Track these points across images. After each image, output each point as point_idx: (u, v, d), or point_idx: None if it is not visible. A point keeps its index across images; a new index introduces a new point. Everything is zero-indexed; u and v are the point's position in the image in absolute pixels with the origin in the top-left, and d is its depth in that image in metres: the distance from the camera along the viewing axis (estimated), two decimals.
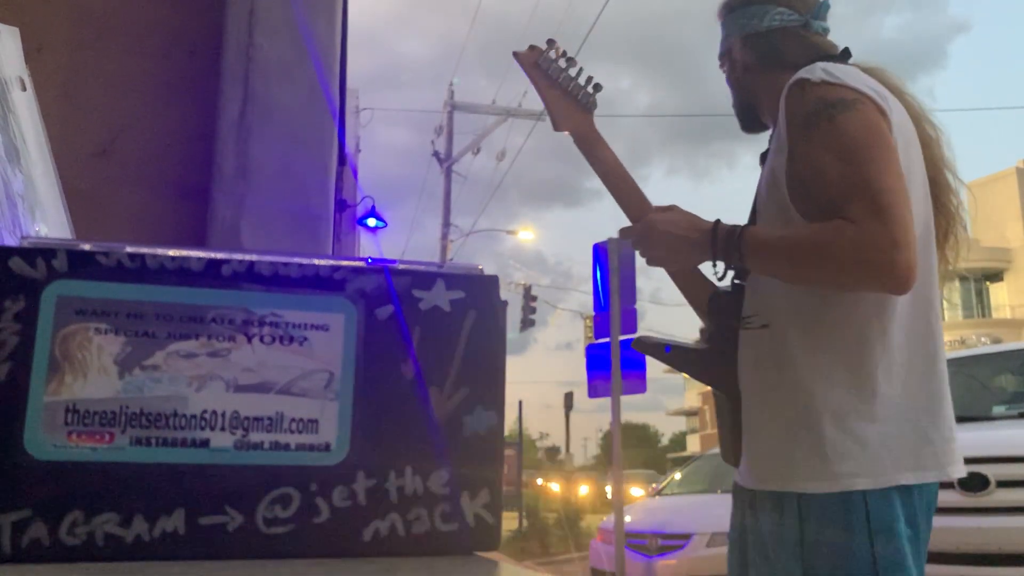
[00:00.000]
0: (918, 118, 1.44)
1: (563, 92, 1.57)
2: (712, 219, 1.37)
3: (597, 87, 1.58)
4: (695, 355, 1.52)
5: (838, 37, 1.56)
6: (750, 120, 1.59)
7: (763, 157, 1.52)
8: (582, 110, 1.58)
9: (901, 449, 1.27)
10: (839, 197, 1.23)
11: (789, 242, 1.27)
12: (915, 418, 1.29)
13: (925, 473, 1.27)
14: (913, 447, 1.28)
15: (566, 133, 1.58)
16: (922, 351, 1.33)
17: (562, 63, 1.57)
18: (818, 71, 1.32)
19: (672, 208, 1.44)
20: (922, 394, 1.31)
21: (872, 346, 1.30)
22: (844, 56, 1.47)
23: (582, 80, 1.57)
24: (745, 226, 1.33)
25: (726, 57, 1.59)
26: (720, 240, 1.32)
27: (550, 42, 1.58)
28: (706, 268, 1.47)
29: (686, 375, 1.58)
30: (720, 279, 1.42)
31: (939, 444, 1.29)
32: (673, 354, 1.51)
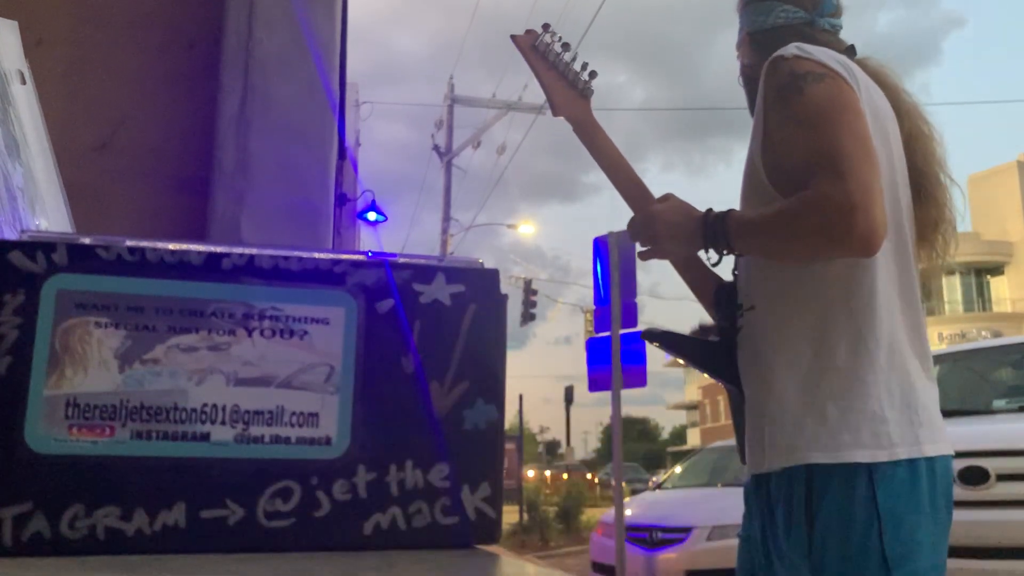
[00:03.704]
0: (912, 114, 1.46)
1: (561, 76, 1.56)
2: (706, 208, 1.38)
3: (593, 74, 1.57)
4: (703, 347, 1.52)
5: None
6: None
7: None
8: (580, 96, 1.57)
9: (860, 426, 1.26)
10: (805, 166, 1.25)
11: (764, 219, 1.30)
12: (877, 396, 1.28)
13: (878, 452, 1.26)
14: (872, 425, 1.26)
15: (563, 119, 1.58)
16: (897, 332, 1.32)
17: (558, 48, 1.56)
18: (791, 48, 1.34)
19: (668, 197, 1.46)
20: (894, 375, 1.30)
21: (837, 325, 1.30)
22: (849, 54, 1.47)
23: (578, 66, 1.56)
24: (729, 210, 1.35)
25: (738, 50, 1.60)
26: (709, 226, 1.34)
27: (546, 26, 1.57)
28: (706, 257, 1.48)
29: (692, 367, 1.57)
30: (714, 265, 1.42)
31: (894, 424, 1.27)
32: (682, 345, 1.51)
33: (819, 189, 1.20)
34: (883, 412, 1.28)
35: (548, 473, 30.82)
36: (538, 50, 1.56)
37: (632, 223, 1.46)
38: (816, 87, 1.29)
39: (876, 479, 1.24)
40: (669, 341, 1.51)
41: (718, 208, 1.38)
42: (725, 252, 1.36)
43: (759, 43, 1.52)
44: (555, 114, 1.57)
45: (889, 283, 1.34)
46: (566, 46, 1.57)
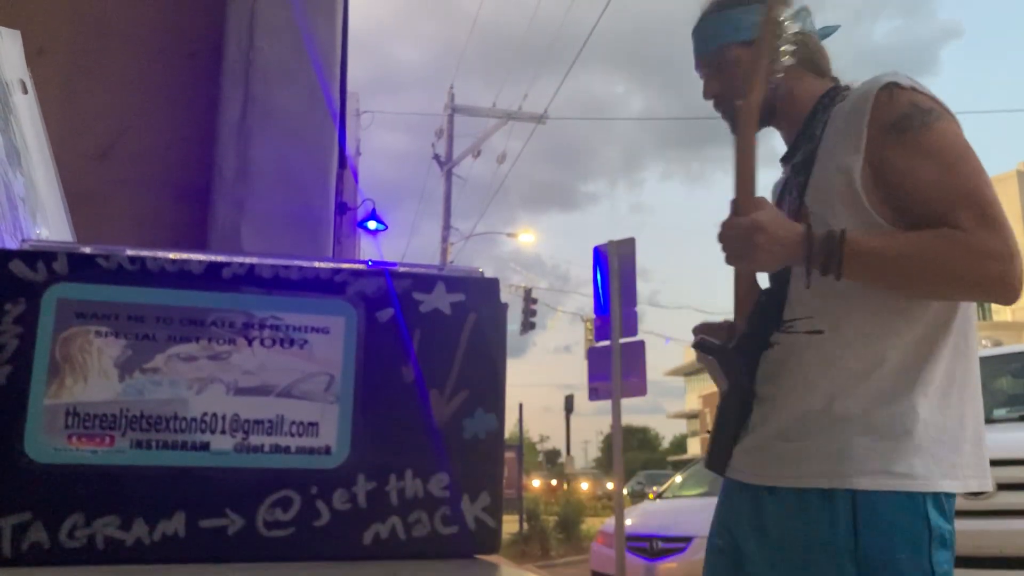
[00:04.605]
0: None
1: (770, 64, 1.45)
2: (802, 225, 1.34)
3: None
4: (717, 351, 1.49)
5: (829, 42, 1.57)
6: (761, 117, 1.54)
7: (788, 162, 1.50)
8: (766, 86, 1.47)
9: (944, 455, 1.29)
10: (945, 205, 1.24)
11: (896, 250, 1.26)
12: (955, 427, 1.31)
13: (955, 483, 1.30)
14: (952, 455, 1.30)
15: (740, 103, 1.45)
16: (965, 365, 1.35)
17: (790, 34, 1.46)
18: (904, 78, 1.32)
19: (764, 204, 1.35)
20: (967, 404, 1.33)
21: (937, 354, 1.31)
22: None
23: (785, 56, 1.47)
24: (844, 231, 1.29)
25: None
26: (818, 246, 1.29)
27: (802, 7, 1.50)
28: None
29: (715, 376, 1.54)
30: (808, 287, 1.36)
31: (968, 456, 1.32)
32: (726, 358, 1.48)
33: (974, 235, 1.21)
34: (958, 445, 1.31)
35: (555, 482, 30.53)
36: (780, 28, 1.44)
37: (732, 227, 1.33)
38: (942, 125, 1.28)
39: (928, 499, 1.26)
40: (716, 352, 1.47)
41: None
42: (830, 274, 1.29)
43: (806, 45, 1.47)
44: (741, 100, 1.44)
45: (968, 323, 1.36)
46: (799, 35, 1.48)
